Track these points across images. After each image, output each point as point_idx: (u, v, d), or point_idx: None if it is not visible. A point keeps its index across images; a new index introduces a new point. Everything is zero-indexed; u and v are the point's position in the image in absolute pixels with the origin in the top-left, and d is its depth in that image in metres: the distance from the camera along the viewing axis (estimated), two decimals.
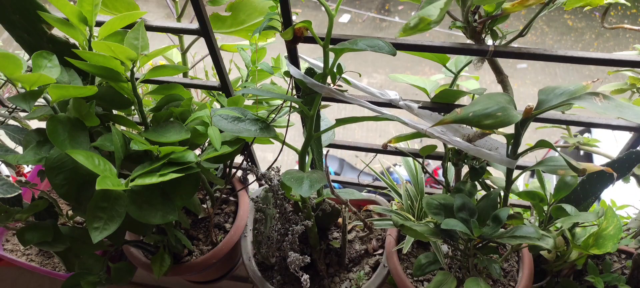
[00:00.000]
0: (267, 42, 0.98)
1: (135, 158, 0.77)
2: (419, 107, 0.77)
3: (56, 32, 0.80)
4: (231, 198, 1.15)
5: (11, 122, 0.98)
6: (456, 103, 0.82)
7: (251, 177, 1.16)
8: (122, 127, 0.97)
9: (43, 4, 0.80)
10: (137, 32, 0.73)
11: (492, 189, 0.82)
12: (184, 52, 1.00)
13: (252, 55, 0.97)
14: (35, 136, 0.73)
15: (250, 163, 1.05)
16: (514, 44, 0.70)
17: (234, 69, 1.12)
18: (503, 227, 0.75)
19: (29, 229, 0.79)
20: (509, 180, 0.77)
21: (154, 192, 0.73)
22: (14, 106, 0.90)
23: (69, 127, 0.68)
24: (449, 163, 0.87)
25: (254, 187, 1.22)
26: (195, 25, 0.79)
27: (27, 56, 1.07)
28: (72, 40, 0.80)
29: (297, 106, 0.79)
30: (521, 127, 0.66)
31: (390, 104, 0.80)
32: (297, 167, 0.82)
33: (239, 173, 1.17)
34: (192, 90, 1.03)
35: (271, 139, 0.87)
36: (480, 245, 0.78)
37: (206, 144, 0.92)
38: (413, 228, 0.75)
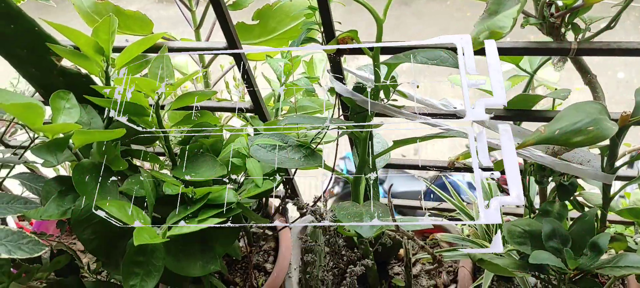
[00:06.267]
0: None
1: (164, 199, 0.85)
2: (491, 118, 0.81)
3: (66, 62, 0.89)
4: (268, 232, 1.22)
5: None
6: (534, 108, 0.86)
7: (290, 208, 1.23)
8: (146, 164, 1.06)
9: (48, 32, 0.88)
10: (160, 60, 0.81)
11: (586, 209, 0.85)
12: (206, 67, 1.08)
13: (284, 66, 1.03)
14: (55, 185, 0.82)
15: (293, 195, 1.12)
16: (601, 39, 0.74)
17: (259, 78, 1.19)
18: None
19: None
20: (607, 197, 0.81)
21: (192, 239, 0.80)
22: (23, 148, 1.00)
23: (96, 174, 0.76)
24: (530, 179, 0.91)
25: (291, 216, 1.29)
26: (222, 43, 0.86)
27: (32, 89, 1.17)
28: (84, 70, 0.89)
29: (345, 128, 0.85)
30: (618, 137, 0.70)
31: (455, 116, 0.85)
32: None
33: (274, 203, 1.23)
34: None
35: None
36: (576, 277, 0.81)
37: (241, 178, 0.99)
38: (494, 262, 0.80)
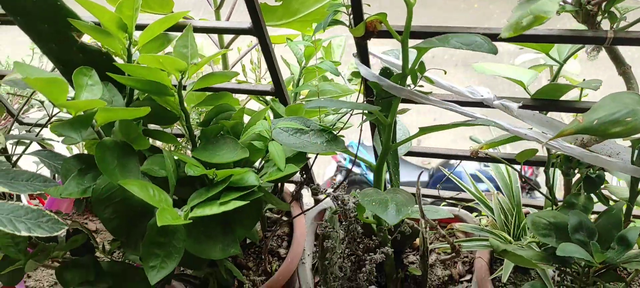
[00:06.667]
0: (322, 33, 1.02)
1: (183, 181, 0.83)
2: (520, 107, 0.80)
3: (86, 38, 0.87)
4: (284, 218, 1.21)
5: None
6: (562, 99, 0.84)
7: (304, 193, 1.21)
8: (157, 142, 1.04)
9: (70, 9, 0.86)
10: (186, 38, 0.79)
11: (611, 202, 0.84)
12: (225, 48, 1.06)
13: (305, 49, 1.02)
14: (74, 163, 0.80)
15: (309, 181, 1.11)
16: (637, 28, 0.72)
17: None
18: None
19: (68, 268, 0.87)
20: (634, 191, 0.80)
21: (213, 222, 0.79)
22: (39, 125, 0.98)
23: (118, 153, 0.74)
24: (554, 170, 0.90)
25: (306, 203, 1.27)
26: (246, 23, 0.84)
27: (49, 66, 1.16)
28: (101, 48, 0.87)
29: (368, 113, 0.84)
30: None
31: (481, 104, 0.83)
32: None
33: (289, 189, 1.22)
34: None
35: None
36: (600, 271, 0.80)
37: (260, 162, 0.98)
38: (517, 253, 0.78)
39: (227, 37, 1.07)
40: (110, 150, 0.74)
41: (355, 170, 3.47)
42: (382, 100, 0.83)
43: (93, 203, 0.76)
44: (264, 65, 1.31)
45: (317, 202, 1.27)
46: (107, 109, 0.69)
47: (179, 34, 0.89)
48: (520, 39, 0.75)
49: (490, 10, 6.46)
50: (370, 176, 3.35)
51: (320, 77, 1.11)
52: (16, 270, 0.84)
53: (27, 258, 0.83)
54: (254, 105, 1.18)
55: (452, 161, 3.23)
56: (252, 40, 1.20)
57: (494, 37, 0.70)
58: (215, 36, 1.09)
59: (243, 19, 0.92)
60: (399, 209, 0.72)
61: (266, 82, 1.26)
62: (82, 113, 0.70)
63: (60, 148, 1.24)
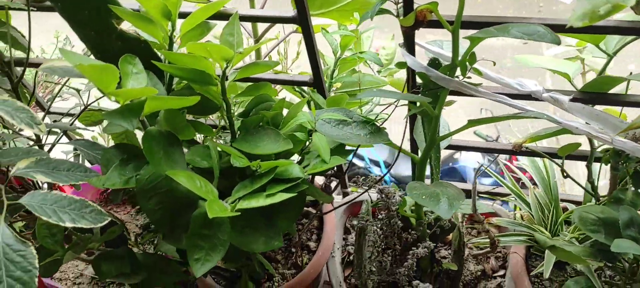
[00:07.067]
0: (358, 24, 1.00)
1: (224, 172, 0.82)
2: (570, 100, 0.78)
3: (124, 25, 0.85)
4: (312, 211, 1.19)
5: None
6: (611, 92, 0.83)
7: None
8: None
9: None
10: (232, 26, 0.77)
11: None
12: (258, 39, 1.04)
13: (341, 39, 1.00)
14: (115, 153, 0.78)
15: (339, 174, 1.09)
16: None
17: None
18: None
19: (104, 259, 0.85)
20: None
21: (257, 214, 0.77)
22: (70, 115, 0.96)
23: (163, 143, 0.72)
24: (600, 165, 0.88)
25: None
26: (290, 11, 0.82)
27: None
28: (139, 36, 0.85)
29: (412, 104, 0.82)
30: None
31: (529, 96, 0.82)
32: None
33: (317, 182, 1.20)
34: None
35: None
36: None
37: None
38: (565, 249, 0.77)
39: (261, 27, 1.05)
40: (156, 140, 0.72)
41: (358, 163, 3.45)
42: (429, 91, 0.81)
43: (137, 194, 0.74)
44: (291, 56, 1.30)
45: (344, 195, 1.26)
46: (157, 97, 0.67)
47: (217, 22, 0.88)
48: (578, 30, 0.74)
49: (493, 5, 6.44)
50: (374, 169, 3.34)
51: (350, 70, 1.10)
52: (54, 261, 0.82)
53: (65, 249, 0.81)
54: (284, 94, 1.17)
55: (456, 155, 3.21)
56: (281, 30, 1.19)
57: (554, 27, 0.68)
58: (247, 25, 1.07)
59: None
60: (451, 203, 0.70)
61: (293, 73, 1.25)
62: (130, 102, 0.69)
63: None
